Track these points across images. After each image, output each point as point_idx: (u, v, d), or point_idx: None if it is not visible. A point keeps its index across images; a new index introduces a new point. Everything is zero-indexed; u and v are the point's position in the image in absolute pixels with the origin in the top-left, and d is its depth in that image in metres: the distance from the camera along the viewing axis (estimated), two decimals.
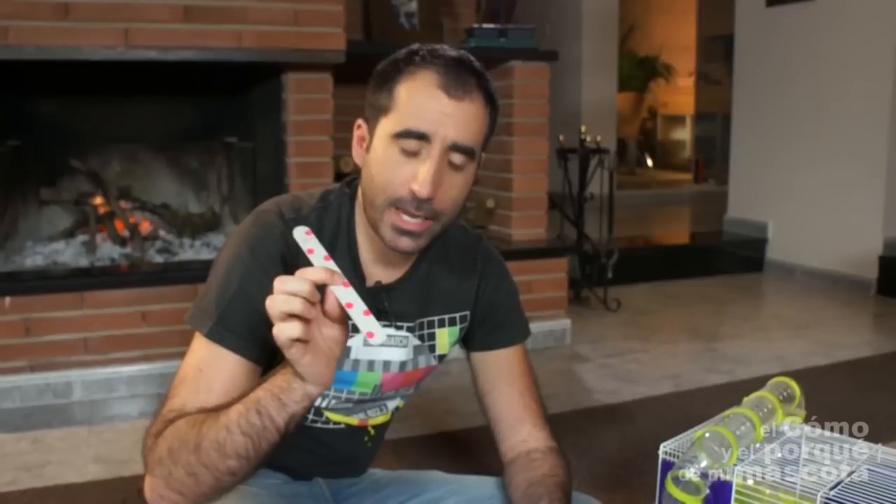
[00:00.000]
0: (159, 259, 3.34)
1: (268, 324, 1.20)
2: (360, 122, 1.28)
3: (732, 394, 1.84)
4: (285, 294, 1.01)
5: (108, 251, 3.33)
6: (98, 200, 3.46)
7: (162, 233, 3.53)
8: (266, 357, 1.24)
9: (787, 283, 5.20)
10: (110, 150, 3.60)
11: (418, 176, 1.18)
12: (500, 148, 3.69)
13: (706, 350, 3.72)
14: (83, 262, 3.26)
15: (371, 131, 1.24)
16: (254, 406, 1.09)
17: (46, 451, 2.53)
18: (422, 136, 1.17)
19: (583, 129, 4.35)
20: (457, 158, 1.20)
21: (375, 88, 1.24)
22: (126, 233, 3.40)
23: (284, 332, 1.01)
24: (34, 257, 3.26)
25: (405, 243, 1.23)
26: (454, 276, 1.41)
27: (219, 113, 3.58)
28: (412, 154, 1.18)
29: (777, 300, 4.94)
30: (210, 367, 1.21)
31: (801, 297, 4.82)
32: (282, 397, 1.09)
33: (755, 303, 4.91)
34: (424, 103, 1.18)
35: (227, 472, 1.11)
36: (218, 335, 1.21)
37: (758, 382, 1.87)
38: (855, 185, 4.89)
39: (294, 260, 1.22)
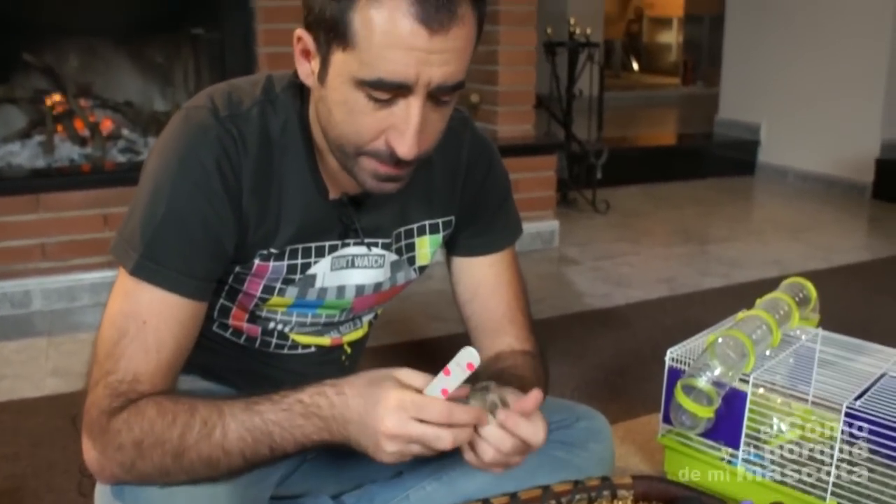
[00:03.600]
0: (122, 159, 3.13)
1: (206, 251, 1.02)
2: (299, 33, 0.99)
3: (730, 297, 1.71)
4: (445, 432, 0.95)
5: (67, 152, 3.12)
6: (55, 98, 3.25)
7: (125, 132, 3.31)
8: (207, 290, 1.06)
9: (780, 186, 5.05)
10: (67, 43, 3.38)
11: (400, 135, 0.94)
12: (484, 38, 3.40)
13: (699, 253, 3.58)
14: (40, 163, 3.05)
15: (322, 55, 0.96)
16: (266, 441, 0.98)
17: (2, 365, 2.38)
18: (399, 87, 0.92)
19: (571, 20, 4.12)
20: (443, 97, 0.96)
21: None
22: (86, 132, 3.19)
23: (409, 451, 0.96)
24: None
25: (391, 187, 1.02)
26: (437, 173, 1.19)
27: (183, 1, 3.35)
28: (385, 102, 0.94)
29: (770, 203, 4.79)
30: (155, 317, 1.00)
31: (795, 201, 4.67)
32: (304, 442, 0.99)
33: (747, 205, 4.76)
34: (398, 44, 0.89)
35: (210, 480, 1.00)
36: (146, 271, 1.00)
37: (756, 286, 1.73)
38: (853, 83, 4.69)
39: (234, 168, 1.02)
